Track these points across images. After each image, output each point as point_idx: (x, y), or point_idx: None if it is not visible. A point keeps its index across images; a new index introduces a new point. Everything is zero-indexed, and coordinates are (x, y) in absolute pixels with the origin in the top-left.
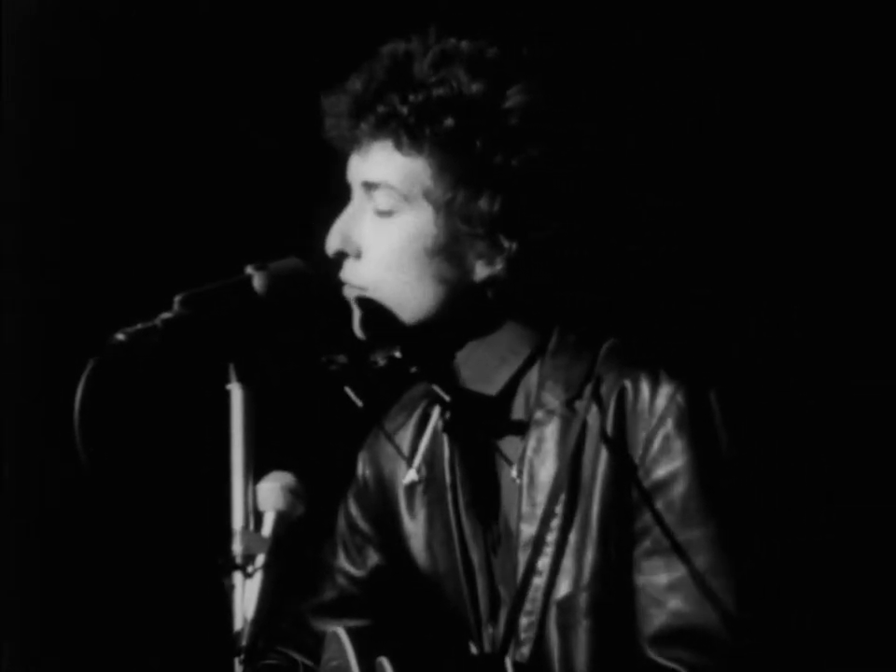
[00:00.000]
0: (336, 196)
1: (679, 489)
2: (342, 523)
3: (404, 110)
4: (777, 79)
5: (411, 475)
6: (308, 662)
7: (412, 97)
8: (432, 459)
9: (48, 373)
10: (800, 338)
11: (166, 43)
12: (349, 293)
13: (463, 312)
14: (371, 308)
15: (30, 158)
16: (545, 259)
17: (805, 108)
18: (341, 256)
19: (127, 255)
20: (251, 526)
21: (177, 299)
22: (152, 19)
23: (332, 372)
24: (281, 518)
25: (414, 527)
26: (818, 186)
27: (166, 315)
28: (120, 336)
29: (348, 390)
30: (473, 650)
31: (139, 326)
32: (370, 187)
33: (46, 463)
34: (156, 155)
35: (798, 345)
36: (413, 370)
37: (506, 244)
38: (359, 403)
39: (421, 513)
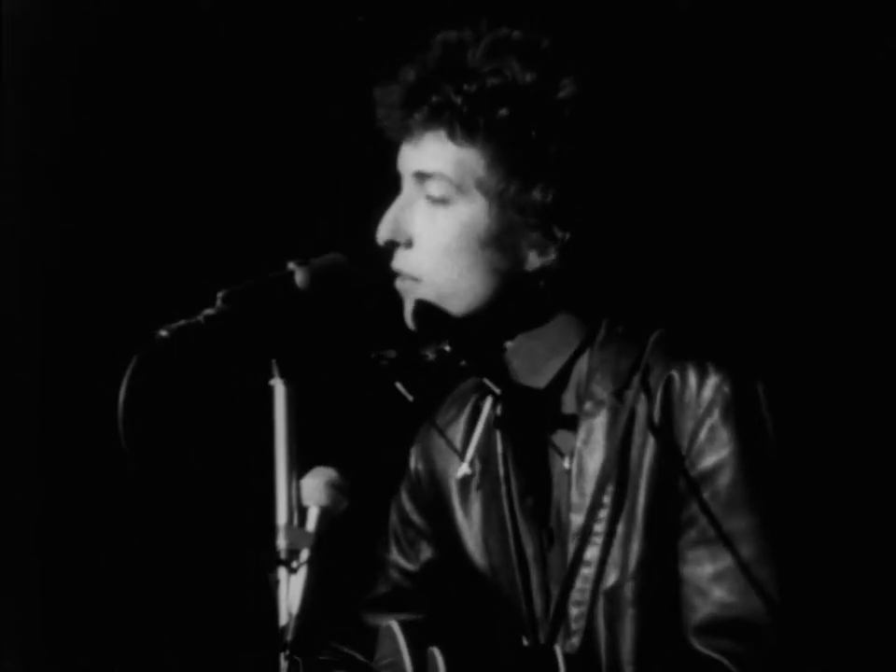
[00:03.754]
0: (379, 192)
1: (724, 479)
2: (394, 517)
3: (458, 100)
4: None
5: (463, 469)
6: (362, 657)
7: (465, 87)
8: (486, 453)
9: (55, 370)
10: (839, 330)
11: (203, 29)
12: (401, 285)
13: (515, 302)
14: (423, 299)
15: (46, 156)
16: (598, 249)
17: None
18: (391, 245)
19: (165, 254)
20: (295, 522)
21: (220, 295)
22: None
23: (382, 367)
24: (325, 513)
25: (468, 521)
26: (858, 181)
27: (209, 312)
28: (164, 332)
29: (399, 385)
30: (526, 643)
31: (182, 322)
32: (422, 177)
33: (66, 459)
34: (198, 153)
35: (838, 337)
36: (463, 363)
37: (559, 234)
38: (410, 398)
39: (475, 507)
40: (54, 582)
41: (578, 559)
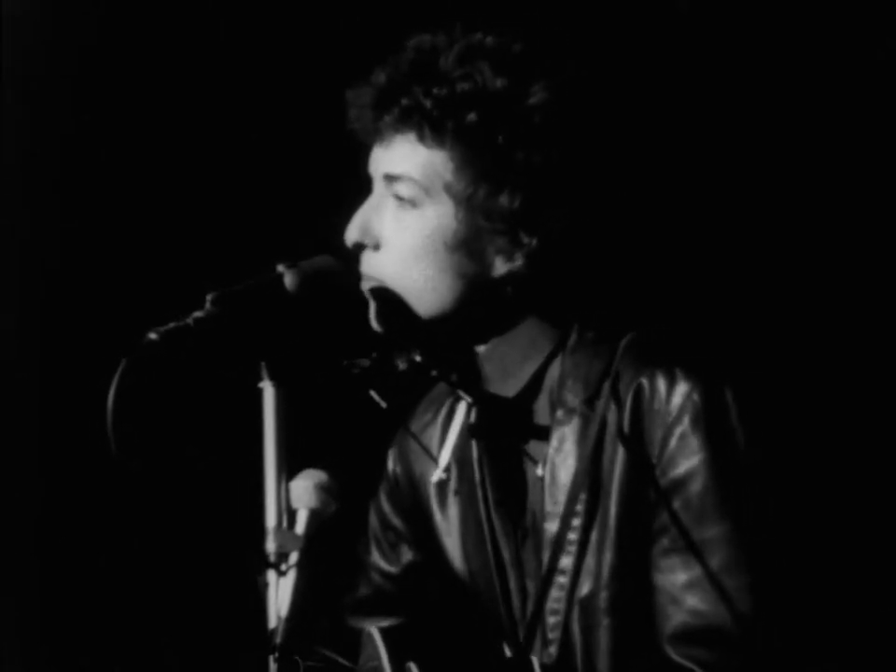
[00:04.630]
0: (357, 192)
1: (695, 487)
2: (374, 520)
3: (428, 103)
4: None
5: (438, 474)
6: (344, 661)
7: (436, 90)
8: (462, 457)
9: (55, 370)
10: (811, 335)
11: (189, 33)
12: (366, 285)
13: (481, 307)
14: (388, 301)
15: (47, 156)
16: (565, 255)
17: (822, 107)
18: (359, 248)
19: (165, 253)
20: (284, 524)
21: (209, 297)
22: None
23: (355, 376)
24: (314, 516)
25: (447, 525)
26: (832, 183)
27: (198, 314)
28: (153, 335)
29: (372, 393)
30: (506, 647)
31: (171, 325)
32: (391, 179)
33: (56, 462)
34: (196, 153)
35: (809, 342)
36: (434, 373)
37: (526, 240)
38: (383, 405)
39: (453, 511)
40: (54, 582)
41: (552, 567)
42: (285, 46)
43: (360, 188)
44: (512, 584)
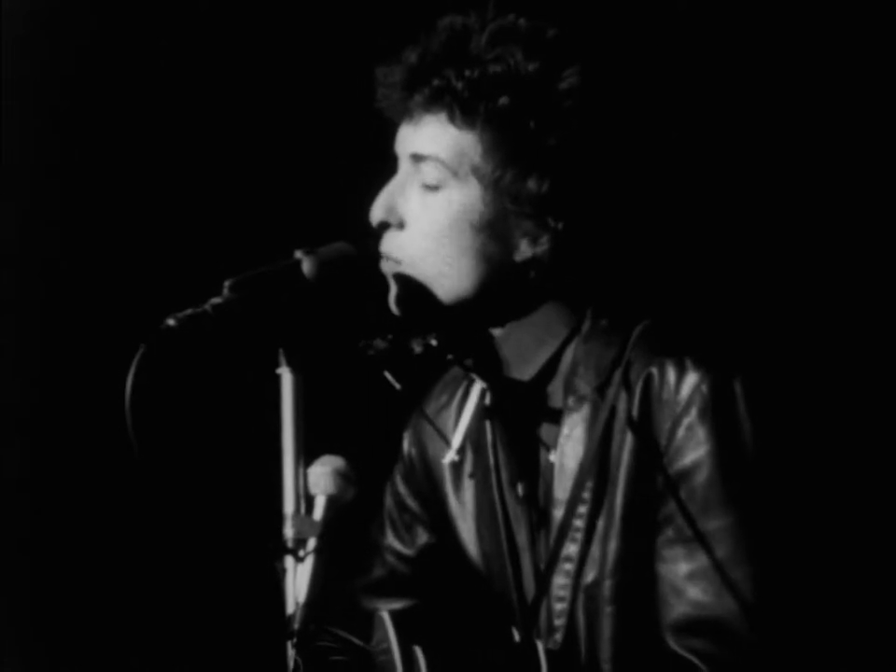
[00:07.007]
0: (377, 177)
1: (700, 478)
2: (389, 501)
3: (459, 85)
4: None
5: (450, 455)
6: (358, 641)
7: (467, 72)
8: (476, 440)
9: (55, 369)
10: (823, 329)
11: (203, 14)
12: (387, 267)
13: (503, 291)
14: (409, 283)
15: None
16: (590, 239)
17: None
18: (383, 227)
19: (165, 247)
20: (302, 510)
21: (227, 284)
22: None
23: (370, 357)
24: (332, 502)
25: (461, 508)
26: (846, 178)
27: (216, 300)
28: (171, 321)
29: (387, 374)
30: (515, 632)
31: (189, 311)
32: (418, 159)
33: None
34: (200, 143)
35: (821, 336)
36: (450, 357)
37: (552, 224)
38: (398, 386)
39: (468, 494)
40: (54, 582)
41: (558, 554)
42: (307, 27)
43: (380, 172)
44: (526, 568)
